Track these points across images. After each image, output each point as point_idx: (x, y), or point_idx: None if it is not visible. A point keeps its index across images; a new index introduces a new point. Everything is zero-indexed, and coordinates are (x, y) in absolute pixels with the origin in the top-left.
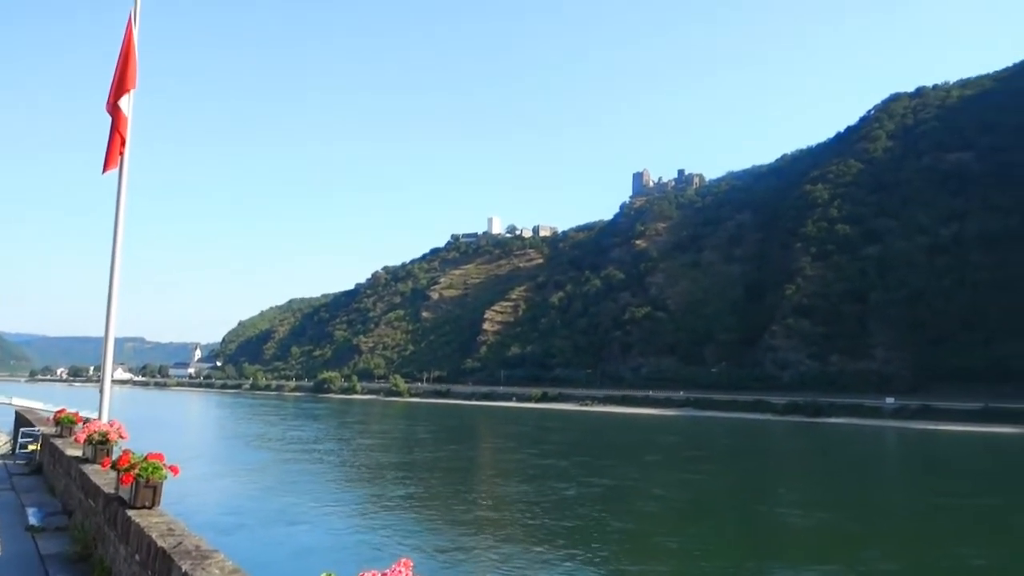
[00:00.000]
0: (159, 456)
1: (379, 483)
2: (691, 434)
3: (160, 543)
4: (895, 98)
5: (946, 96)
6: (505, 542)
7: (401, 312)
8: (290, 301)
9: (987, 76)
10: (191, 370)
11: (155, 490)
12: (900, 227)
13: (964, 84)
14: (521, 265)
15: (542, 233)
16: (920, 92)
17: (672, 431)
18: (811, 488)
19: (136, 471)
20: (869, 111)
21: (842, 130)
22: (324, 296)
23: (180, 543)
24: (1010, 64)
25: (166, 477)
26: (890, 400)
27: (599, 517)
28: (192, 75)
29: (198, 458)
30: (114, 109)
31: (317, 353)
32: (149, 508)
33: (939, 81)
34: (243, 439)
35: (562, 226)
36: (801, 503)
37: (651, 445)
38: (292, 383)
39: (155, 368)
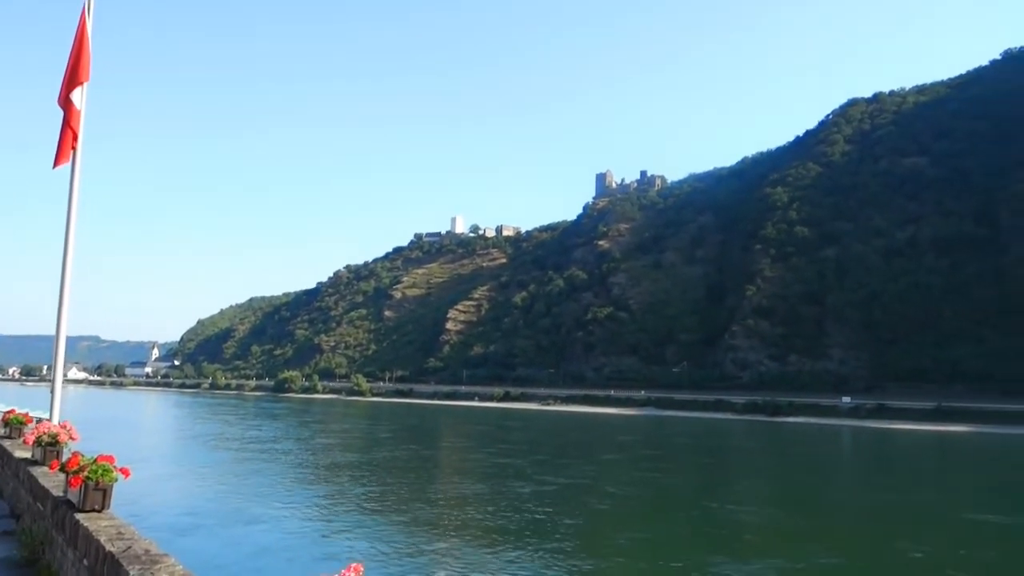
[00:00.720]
0: (110, 458)
1: (336, 483)
2: (650, 433)
3: (109, 547)
4: (853, 103)
5: (902, 102)
6: (458, 541)
7: (363, 311)
8: (251, 299)
9: (941, 83)
10: (148, 369)
11: (105, 493)
12: (857, 230)
13: (920, 91)
14: (484, 265)
15: (505, 233)
16: (877, 98)
17: (631, 430)
18: (764, 486)
19: (85, 473)
20: (828, 115)
21: (801, 134)
22: (285, 295)
23: (129, 547)
24: (963, 72)
25: (117, 479)
26: (846, 399)
27: (552, 515)
28: (148, 67)
29: (153, 458)
30: (66, 103)
31: (278, 352)
32: (99, 511)
33: (896, 87)
34: (200, 439)
35: (525, 226)
36: (753, 500)
37: (609, 444)
38: (252, 382)
39: (111, 367)
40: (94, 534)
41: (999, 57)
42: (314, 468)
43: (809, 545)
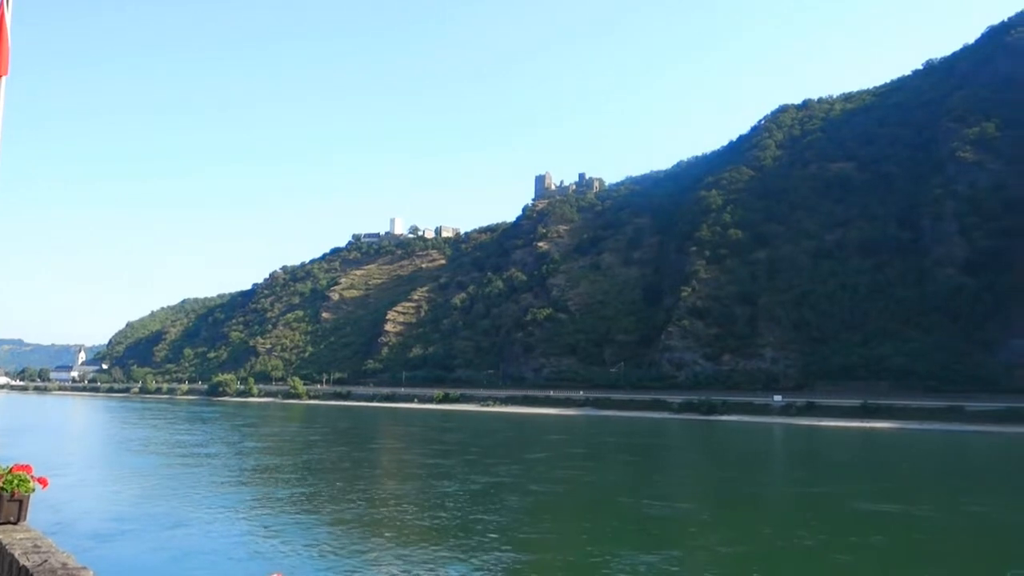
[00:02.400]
0: (27, 467)
1: (262, 485)
2: (582, 433)
3: (23, 561)
4: (783, 109)
5: (830, 109)
6: (381, 541)
7: (300, 313)
8: (183, 301)
9: (867, 91)
10: (75, 373)
11: (21, 504)
12: (788, 232)
13: (847, 98)
14: (423, 266)
15: (444, 234)
16: (806, 104)
17: (565, 430)
18: (682, 481)
19: None
20: (759, 121)
21: (735, 139)
22: (220, 296)
23: (46, 561)
24: (887, 80)
25: (34, 490)
26: (778, 398)
27: (470, 513)
28: (68, 57)
29: (77, 465)
30: None
31: (212, 355)
32: (14, 523)
33: (824, 95)
34: (126, 444)
35: (465, 227)
36: (668, 495)
37: (539, 443)
38: (185, 386)
39: (35, 372)
40: (8, 548)
41: (921, 67)
42: (240, 471)
43: (711, 535)
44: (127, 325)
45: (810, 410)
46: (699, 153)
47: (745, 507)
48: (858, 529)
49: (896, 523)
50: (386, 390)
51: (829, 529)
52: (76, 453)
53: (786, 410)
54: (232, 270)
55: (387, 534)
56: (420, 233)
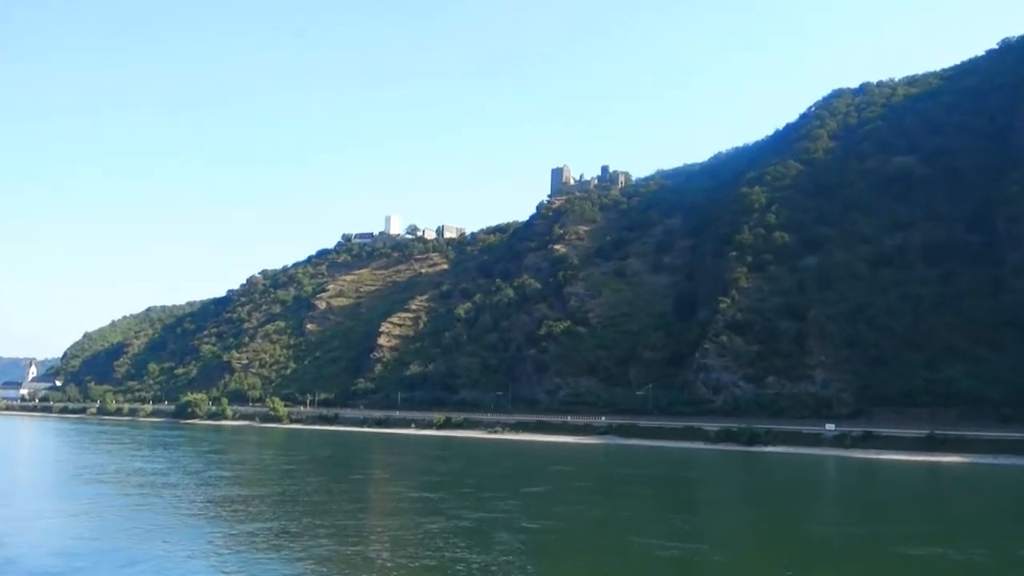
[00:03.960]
0: None
1: (223, 520)
2: (601, 463)
3: None
4: (838, 95)
5: (891, 94)
6: None
7: (282, 324)
8: (148, 309)
9: (934, 74)
10: (24, 391)
11: None
12: (841, 236)
13: (910, 82)
14: (423, 271)
15: (447, 235)
16: (864, 89)
17: (580, 460)
18: (706, 519)
19: None
20: (810, 108)
21: (781, 128)
22: (190, 304)
23: None
24: (957, 62)
25: None
26: (830, 427)
27: (453, 552)
28: (22, 49)
29: (23, 495)
30: None
31: (180, 371)
32: None
33: (884, 78)
34: (79, 472)
35: (471, 227)
36: (685, 534)
37: (547, 474)
38: (149, 406)
39: None
40: None
41: (996, 47)
42: (203, 504)
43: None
44: (84, 336)
45: (867, 441)
46: (740, 144)
47: (771, 549)
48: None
49: (941, 570)
50: (379, 413)
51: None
52: (22, 482)
53: (839, 441)
54: (205, 274)
55: None
56: (419, 233)
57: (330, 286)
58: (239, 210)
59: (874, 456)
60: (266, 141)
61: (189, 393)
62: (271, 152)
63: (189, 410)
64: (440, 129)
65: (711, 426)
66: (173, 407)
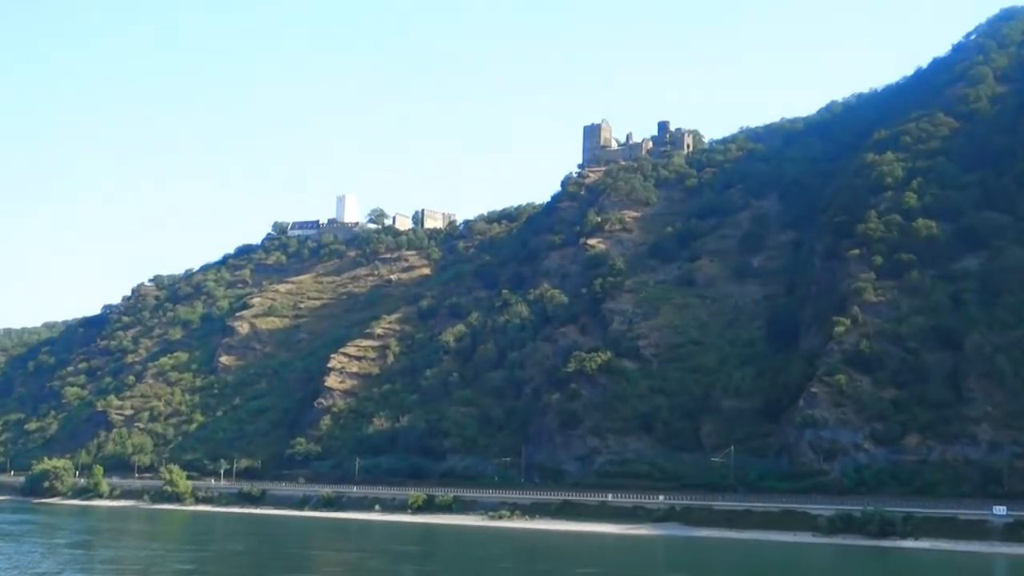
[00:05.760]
0: None
1: None
2: (654, 566)
3: None
4: (1008, 16)
5: None
6: None
7: (183, 356)
8: None
9: None
10: None
11: None
12: (1017, 225)
13: None
14: (393, 277)
15: (429, 224)
16: None
17: (621, 562)
18: None
19: None
20: (968, 35)
21: (925, 65)
22: (47, 327)
23: None
24: None
25: None
26: (1000, 510)
27: None
28: None
29: None
30: None
31: (33, 426)
32: None
33: None
34: None
35: (464, 213)
36: None
37: None
38: None
39: None
40: None
41: None
42: None
43: None
44: None
45: None
46: (863, 90)
47: None
48: None
49: None
50: (327, 489)
51: None
52: None
53: (1013, 532)
54: (69, 283)
55: None
56: (388, 222)
57: (255, 300)
58: (118, 190)
59: None
60: (168, 90)
61: (46, 459)
62: (177, 104)
63: (46, 483)
64: (417, 70)
65: (822, 509)
66: (23, 478)
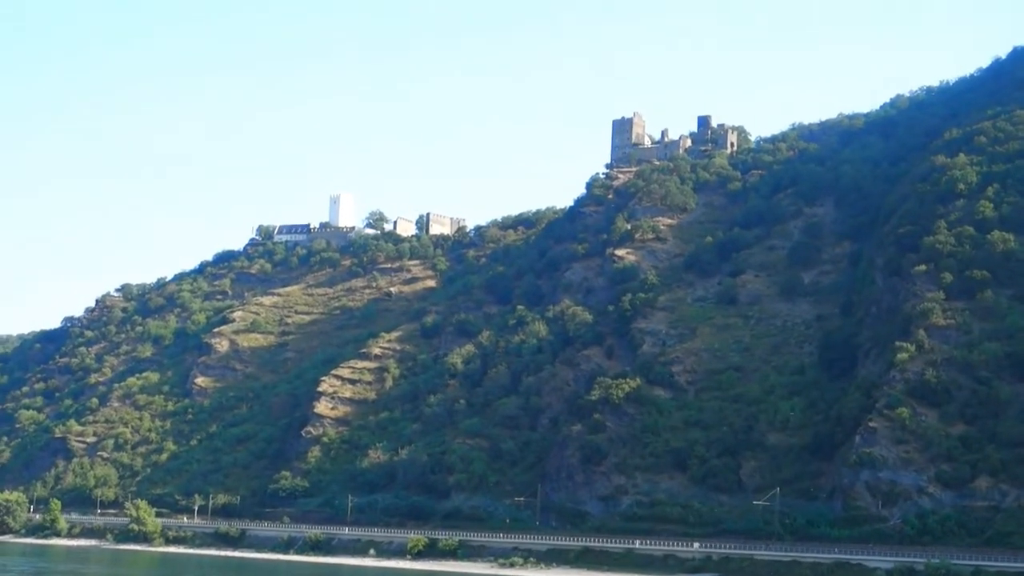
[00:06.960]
0: None
1: None
2: None
3: None
4: None
5: None
6: None
7: (153, 376)
8: None
9: None
10: None
11: None
12: None
13: None
14: (394, 290)
15: (435, 229)
16: None
17: None
18: None
19: None
20: None
21: (1004, 56)
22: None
23: None
24: None
25: None
26: None
27: None
28: None
29: None
30: None
31: None
32: None
33: None
34: None
35: (475, 218)
36: None
37: None
38: None
39: None
40: None
41: None
42: None
43: None
44: None
45: None
46: (931, 84)
47: None
48: None
49: None
50: (316, 530)
51: None
52: None
53: None
54: (24, 292)
55: None
56: (388, 227)
57: (235, 314)
58: (79, 187)
59: None
60: (140, 79)
61: None
62: (145, 96)
63: None
64: (418, 56)
65: (881, 561)
66: None
